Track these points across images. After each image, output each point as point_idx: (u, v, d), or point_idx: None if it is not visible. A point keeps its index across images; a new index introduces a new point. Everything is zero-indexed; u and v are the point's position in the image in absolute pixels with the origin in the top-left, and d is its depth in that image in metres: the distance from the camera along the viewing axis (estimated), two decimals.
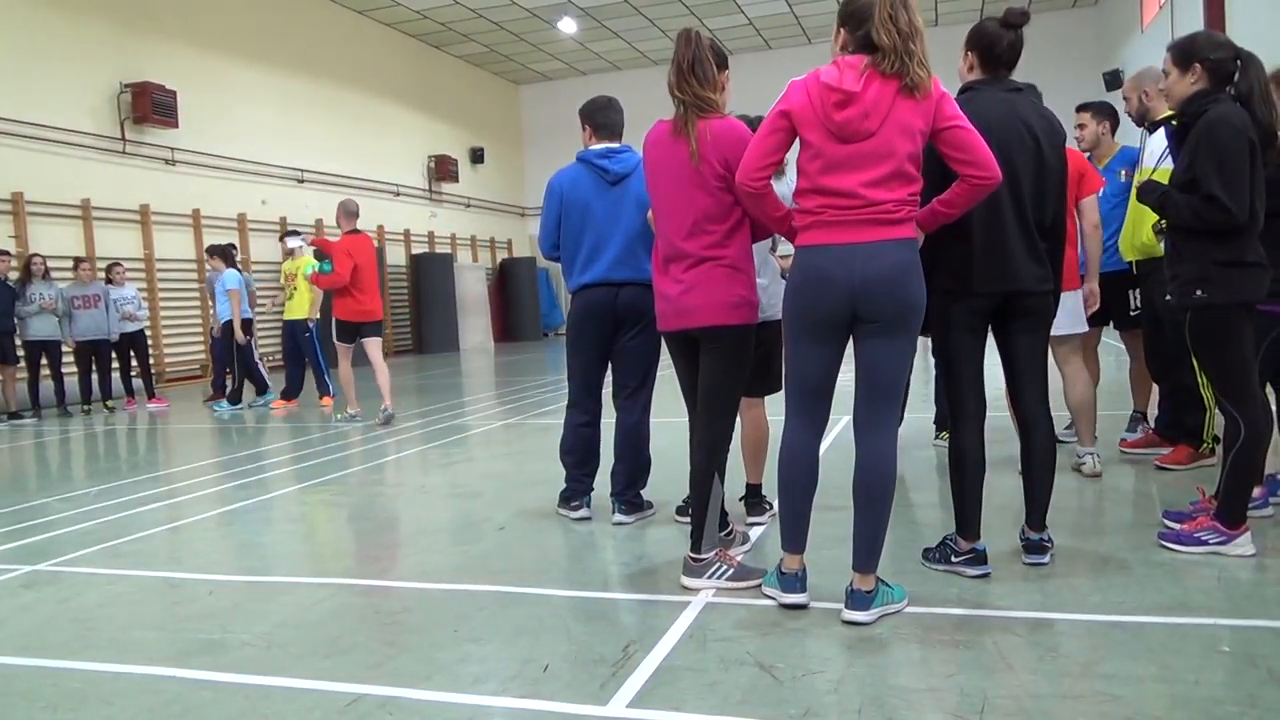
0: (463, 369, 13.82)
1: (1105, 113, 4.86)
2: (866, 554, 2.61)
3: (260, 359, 9.94)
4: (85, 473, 6.31)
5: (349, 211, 7.53)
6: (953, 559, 2.97)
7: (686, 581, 2.97)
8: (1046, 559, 3.01)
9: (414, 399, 9.82)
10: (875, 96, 2.48)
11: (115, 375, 10.03)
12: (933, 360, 3.08)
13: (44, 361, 9.49)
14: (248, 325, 9.44)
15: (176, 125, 12.33)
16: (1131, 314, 4.78)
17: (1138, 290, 4.69)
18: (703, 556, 2.96)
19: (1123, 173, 4.73)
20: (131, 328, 9.89)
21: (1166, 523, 3.32)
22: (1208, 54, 3.02)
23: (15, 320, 9.24)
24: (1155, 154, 4.21)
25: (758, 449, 3.76)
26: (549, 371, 12.09)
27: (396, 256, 17.58)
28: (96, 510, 4.74)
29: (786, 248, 3.00)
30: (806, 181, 2.59)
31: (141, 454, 7.20)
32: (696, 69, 2.88)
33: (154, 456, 7.01)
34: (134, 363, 10.13)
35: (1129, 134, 4.94)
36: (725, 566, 2.96)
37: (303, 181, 15.07)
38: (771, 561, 2.93)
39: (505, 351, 17.34)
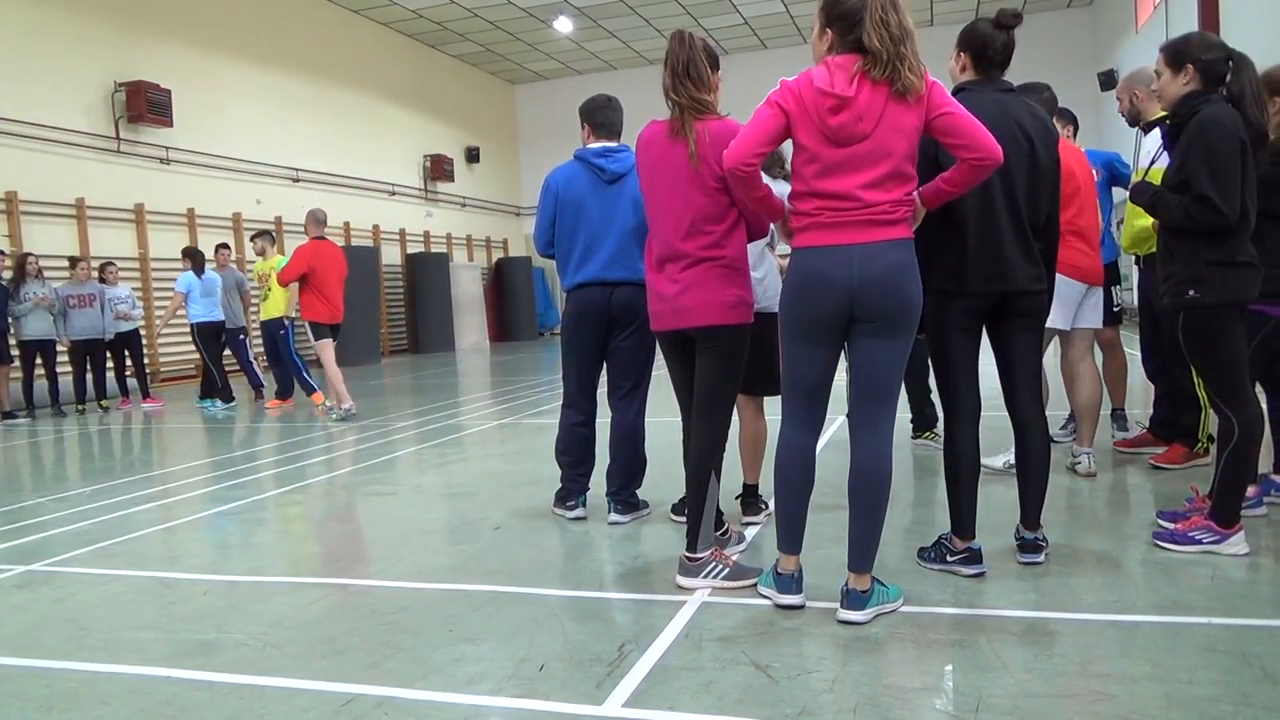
0: (458, 369, 13.81)
1: (1067, 117, 4.91)
2: (862, 554, 2.62)
3: (254, 358, 9.94)
4: (80, 473, 6.29)
5: (316, 219, 8.14)
6: (948, 558, 2.98)
7: (682, 581, 2.97)
8: (1041, 558, 3.02)
9: (409, 399, 9.82)
10: (868, 100, 2.48)
11: (110, 375, 10.01)
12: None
13: (39, 361, 9.47)
14: (212, 327, 9.54)
15: (171, 124, 12.30)
16: (1113, 309, 4.87)
17: (1117, 287, 4.80)
18: (698, 556, 2.97)
19: (1095, 172, 4.78)
20: (126, 327, 9.88)
21: (1161, 522, 3.33)
22: (1200, 55, 3.03)
23: (9, 320, 9.21)
24: (1149, 154, 4.24)
25: (755, 449, 3.76)
26: (544, 371, 12.09)
27: (392, 256, 17.57)
28: (91, 510, 4.73)
29: (785, 246, 3.00)
30: (802, 185, 2.59)
31: (136, 454, 7.18)
32: (691, 70, 2.88)
33: (148, 456, 7.00)
34: (128, 362, 10.11)
35: (1123, 135, 4.97)
36: (721, 566, 2.96)
37: (298, 181, 15.05)
38: (768, 561, 2.93)
39: (501, 351, 17.33)
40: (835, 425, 5.21)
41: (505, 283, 20.61)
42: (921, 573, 3.00)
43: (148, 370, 10.61)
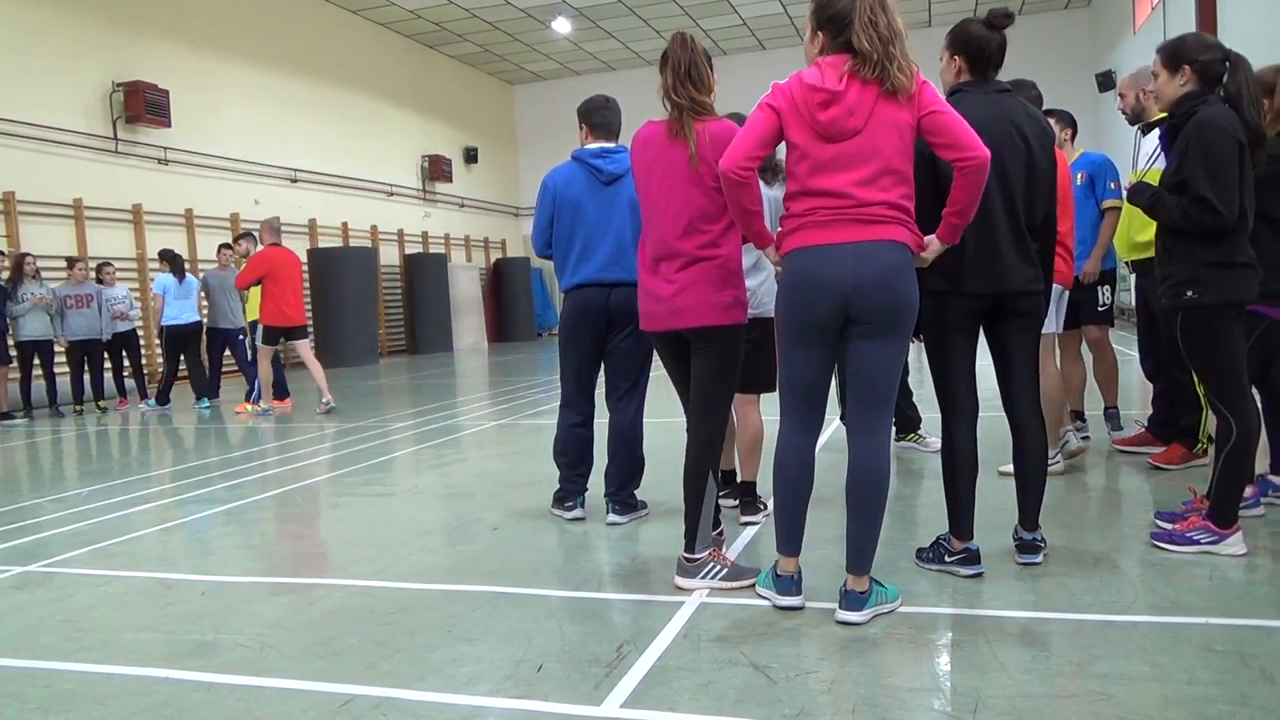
0: (456, 369, 13.80)
1: (1067, 120, 4.92)
2: (860, 555, 2.62)
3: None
4: (77, 473, 6.28)
5: (272, 228, 8.72)
6: (946, 559, 2.98)
7: (680, 582, 2.97)
8: (1039, 559, 3.02)
9: (407, 399, 9.81)
10: (858, 96, 2.49)
11: (108, 375, 10.01)
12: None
13: (36, 361, 9.46)
14: (183, 330, 9.64)
15: (169, 124, 12.29)
16: (1099, 309, 4.90)
17: (1107, 287, 4.85)
18: (696, 556, 2.97)
19: (1080, 176, 4.80)
20: (123, 327, 9.87)
21: (1159, 523, 3.33)
22: (1197, 55, 3.03)
23: (7, 320, 9.20)
24: (1148, 155, 4.24)
25: (752, 447, 3.76)
26: (542, 372, 12.09)
27: (390, 257, 17.56)
28: (88, 511, 4.72)
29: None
30: (796, 184, 2.59)
31: (134, 454, 7.17)
32: (693, 72, 2.91)
33: (146, 457, 6.99)
34: (126, 363, 10.11)
35: (1121, 136, 4.98)
36: (719, 566, 2.96)
37: (296, 181, 15.04)
38: (767, 562, 2.93)
39: (499, 352, 17.33)
40: (833, 426, 5.21)
41: (503, 283, 20.61)
42: (920, 573, 3.00)
43: (145, 371, 10.61)
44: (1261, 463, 3.48)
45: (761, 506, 3.78)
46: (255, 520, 4.48)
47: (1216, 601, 2.66)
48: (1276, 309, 3.35)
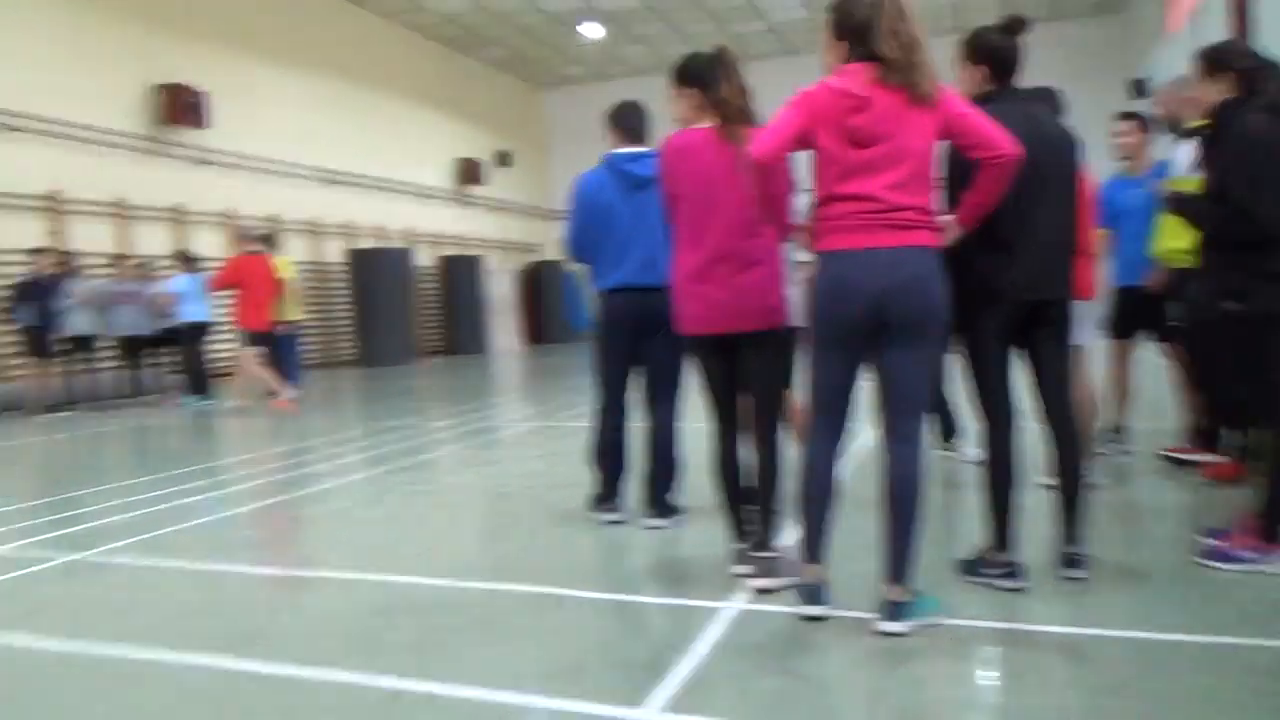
0: (493, 371, 13.91)
1: (1146, 125, 4.85)
2: (897, 565, 2.61)
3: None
4: (126, 465, 6.41)
5: (245, 235, 9.43)
6: (988, 572, 2.96)
7: (759, 584, 2.93)
8: (1083, 573, 3.00)
9: (446, 400, 9.91)
10: (886, 103, 2.53)
11: (156, 370, 10.24)
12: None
13: (82, 356, 9.67)
14: (198, 328, 9.81)
15: (207, 126, 12.51)
16: (1169, 324, 4.78)
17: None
18: (772, 554, 2.98)
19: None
20: (168, 323, 10.06)
21: (1206, 540, 3.29)
22: (1238, 62, 3.00)
23: (54, 315, 9.42)
24: (1186, 164, 4.19)
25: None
26: (578, 374, 12.14)
27: (425, 259, 17.72)
28: (137, 502, 4.82)
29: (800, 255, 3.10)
30: (824, 190, 2.61)
31: (180, 448, 7.31)
32: (744, 83, 3.04)
33: (190, 450, 7.12)
34: (173, 359, 10.31)
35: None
36: (784, 561, 2.96)
37: (332, 182, 15.23)
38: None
39: (535, 354, 17.43)
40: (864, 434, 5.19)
41: (538, 286, 20.69)
42: (960, 585, 2.98)
43: (198, 367, 10.80)
44: None
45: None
46: (301, 515, 4.55)
47: (1264, 621, 2.62)
48: None
